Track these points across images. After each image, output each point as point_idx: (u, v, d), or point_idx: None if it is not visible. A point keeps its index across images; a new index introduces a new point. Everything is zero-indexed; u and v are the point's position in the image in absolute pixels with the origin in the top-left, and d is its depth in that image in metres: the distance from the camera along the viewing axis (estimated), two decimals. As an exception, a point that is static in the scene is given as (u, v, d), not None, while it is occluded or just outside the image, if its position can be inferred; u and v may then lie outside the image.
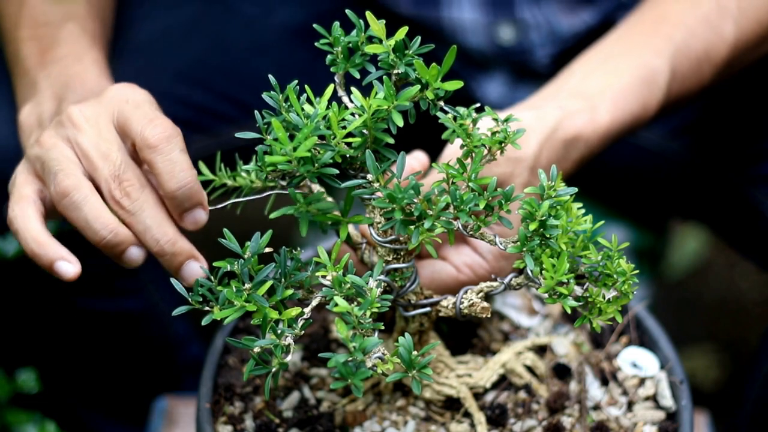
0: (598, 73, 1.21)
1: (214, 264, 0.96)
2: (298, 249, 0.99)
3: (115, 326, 1.54)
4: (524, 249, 0.94)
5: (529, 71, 1.53)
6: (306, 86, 0.97)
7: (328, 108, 0.94)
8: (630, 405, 1.14)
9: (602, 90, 1.18)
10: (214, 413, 1.10)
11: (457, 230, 0.95)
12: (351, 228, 1.06)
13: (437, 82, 0.94)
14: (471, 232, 0.96)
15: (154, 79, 1.43)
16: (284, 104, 0.96)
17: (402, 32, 0.95)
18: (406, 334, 0.92)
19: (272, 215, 1.01)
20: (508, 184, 1.10)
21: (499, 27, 1.49)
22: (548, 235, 0.93)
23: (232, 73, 1.49)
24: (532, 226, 0.93)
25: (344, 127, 0.94)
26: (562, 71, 1.25)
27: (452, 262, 1.11)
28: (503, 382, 1.14)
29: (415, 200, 0.93)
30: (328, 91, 0.96)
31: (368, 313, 0.91)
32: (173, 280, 0.96)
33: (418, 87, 0.95)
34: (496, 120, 0.96)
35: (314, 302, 0.97)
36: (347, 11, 0.98)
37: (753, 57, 1.32)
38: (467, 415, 1.11)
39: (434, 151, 1.17)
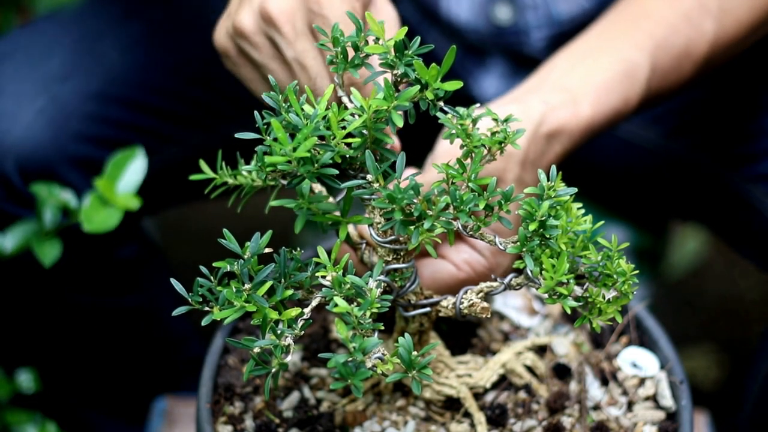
0: (580, 67, 1.22)
1: (214, 264, 0.96)
2: (298, 249, 0.99)
3: (115, 325, 1.54)
4: (524, 249, 0.94)
5: (525, 59, 1.53)
6: (306, 86, 0.97)
7: (327, 108, 0.94)
8: (630, 405, 1.14)
9: (584, 84, 1.20)
10: (214, 413, 1.10)
11: (456, 230, 0.95)
12: (351, 228, 1.06)
13: (437, 82, 0.94)
14: (471, 233, 0.96)
15: (148, 75, 1.43)
16: (284, 104, 0.96)
17: (402, 32, 0.95)
18: (406, 335, 0.92)
19: (272, 202, 1.00)
20: (501, 179, 1.10)
21: (495, 6, 1.49)
22: (548, 236, 0.93)
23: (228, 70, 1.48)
24: (532, 227, 0.93)
25: (344, 128, 0.94)
26: (543, 63, 1.26)
27: (451, 260, 1.11)
28: (503, 382, 1.14)
29: (415, 200, 0.93)
30: (328, 92, 0.96)
31: (368, 314, 0.91)
32: (173, 280, 0.96)
33: (417, 87, 0.95)
34: (496, 120, 0.96)
35: (314, 302, 0.97)
36: (347, 12, 0.98)
37: (732, 54, 1.33)
38: (467, 415, 1.11)
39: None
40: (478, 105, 0.98)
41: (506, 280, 0.99)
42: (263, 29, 1.08)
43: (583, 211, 0.95)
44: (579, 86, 1.20)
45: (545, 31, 1.51)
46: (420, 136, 1.33)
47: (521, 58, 1.54)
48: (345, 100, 0.99)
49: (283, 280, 0.97)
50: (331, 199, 1.03)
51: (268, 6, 1.07)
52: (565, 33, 1.49)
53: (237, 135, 0.99)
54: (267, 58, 1.09)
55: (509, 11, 1.50)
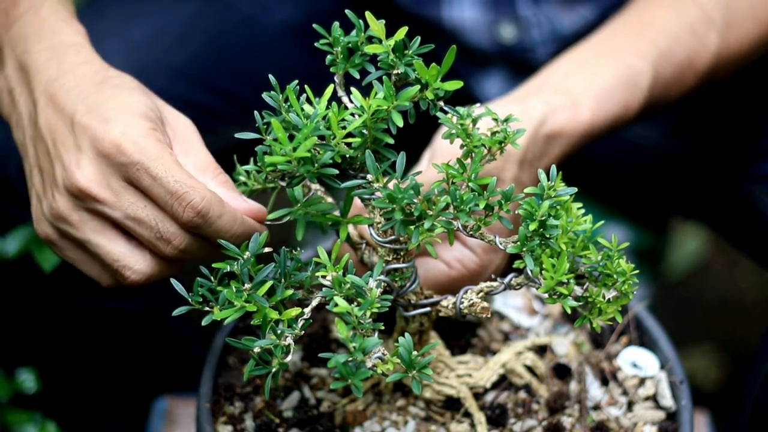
0: (582, 71, 1.23)
1: (214, 265, 0.96)
2: (298, 249, 0.99)
3: (116, 326, 1.54)
4: (524, 249, 0.94)
5: (529, 68, 1.53)
6: (306, 86, 0.97)
7: (327, 108, 0.94)
8: (630, 405, 1.14)
9: (585, 88, 1.20)
10: (214, 413, 1.10)
11: (456, 230, 0.95)
12: (351, 228, 1.06)
13: (437, 82, 0.94)
14: (471, 232, 0.96)
15: (151, 77, 1.43)
16: (284, 104, 0.96)
17: (402, 32, 0.95)
18: (406, 334, 0.92)
19: (270, 216, 1.01)
20: (499, 178, 1.11)
21: (500, 25, 1.49)
22: (548, 235, 0.93)
23: (230, 72, 1.49)
24: (532, 226, 0.93)
25: (344, 128, 0.94)
26: (546, 66, 1.26)
27: (443, 258, 1.11)
28: (503, 382, 1.14)
29: (415, 200, 0.93)
30: (328, 92, 0.96)
31: (368, 314, 0.91)
32: (173, 280, 0.96)
33: (417, 87, 0.95)
34: (496, 120, 0.96)
35: (314, 302, 0.97)
36: (347, 11, 0.98)
37: (735, 69, 1.34)
38: (467, 415, 1.11)
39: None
40: (478, 105, 0.98)
41: (506, 280, 0.99)
42: (80, 205, 1.02)
43: (583, 210, 0.95)
44: (580, 90, 1.20)
45: (550, 47, 1.51)
46: (420, 135, 1.33)
47: (525, 67, 1.54)
48: (345, 99, 0.99)
49: (283, 280, 0.97)
50: (330, 199, 1.03)
51: (74, 181, 1.01)
52: (569, 47, 1.49)
53: (237, 135, 0.99)
54: (90, 234, 1.03)
55: (514, 30, 1.50)
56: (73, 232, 1.04)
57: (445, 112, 0.96)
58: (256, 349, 0.93)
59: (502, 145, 0.96)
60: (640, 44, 1.26)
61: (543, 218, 0.93)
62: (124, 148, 0.99)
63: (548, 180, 0.94)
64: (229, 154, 1.12)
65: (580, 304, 0.96)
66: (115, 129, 1.00)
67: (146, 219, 1.01)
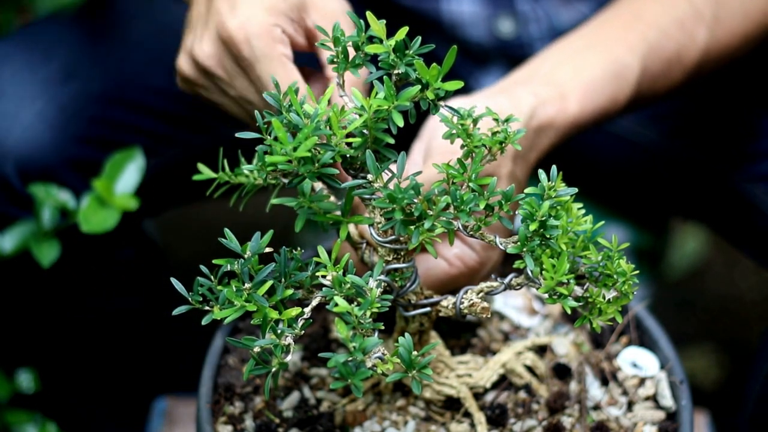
0: (570, 63, 1.23)
1: (214, 261, 0.96)
2: (299, 249, 0.99)
3: (116, 326, 1.54)
4: (524, 249, 0.94)
5: None
6: (306, 86, 0.97)
7: (328, 108, 0.94)
8: (630, 405, 1.14)
9: (573, 80, 1.20)
10: (214, 413, 1.10)
11: (457, 230, 0.95)
12: (351, 228, 1.06)
13: (437, 82, 0.94)
14: (471, 233, 0.96)
15: (152, 74, 1.43)
16: (285, 104, 0.96)
17: (402, 32, 0.95)
18: (406, 334, 0.92)
19: (273, 201, 1.01)
20: (495, 174, 1.11)
21: (498, 20, 1.49)
22: (548, 236, 0.93)
23: None
24: (533, 227, 0.93)
25: (344, 127, 0.94)
26: (534, 56, 1.26)
27: (443, 256, 1.11)
28: (503, 382, 1.14)
29: (415, 200, 0.93)
30: (329, 91, 0.96)
31: (368, 313, 0.91)
32: (173, 279, 0.96)
33: (418, 87, 0.94)
34: (496, 120, 0.96)
35: (314, 302, 0.97)
36: (347, 11, 0.98)
37: (723, 63, 1.34)
38: (467, 415, 1.11)
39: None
40: (476, 106, 0.98)
41: (506, 280, 0.99)
42: (202, 74, 1.14)
43: (583, 211, 0.95)
44: (568, 82, 1.20)
45: (548, 42, 1.51)
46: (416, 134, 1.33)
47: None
48: (345, 100, 0.99)
49: (283, 279, 0.97)
50: (332, 198, 1.03)
51: (196, 53, 1.12)
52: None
53: (237, 134, 0.99)
54: (216, 96, 1.14)
55: (512, 25, 1.50)
56: (202, 91, 1.15)
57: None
58: (256, 349, 0.93)
59: (503, 145, 0.96)
60: (630, 37, 1.26)
61: (543, 218, 0.93)
62: (237, 42, 1.07)
63: (549, 180, 0.94)
64: (231, 152, 1.12)
65: (580, 304, 0.96)
66: (234, 19, 1.07)
67: (257, 103, 1.10)
